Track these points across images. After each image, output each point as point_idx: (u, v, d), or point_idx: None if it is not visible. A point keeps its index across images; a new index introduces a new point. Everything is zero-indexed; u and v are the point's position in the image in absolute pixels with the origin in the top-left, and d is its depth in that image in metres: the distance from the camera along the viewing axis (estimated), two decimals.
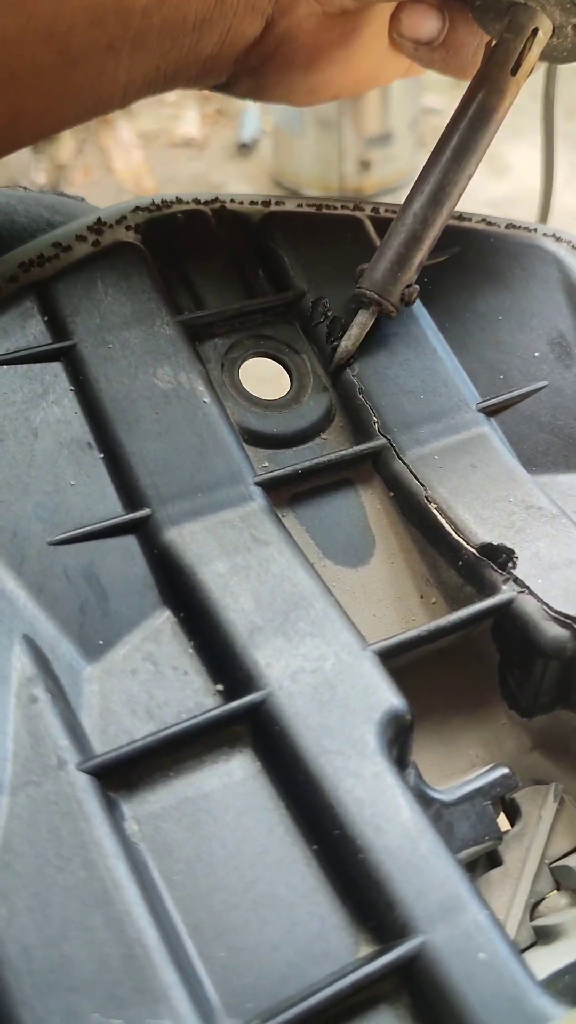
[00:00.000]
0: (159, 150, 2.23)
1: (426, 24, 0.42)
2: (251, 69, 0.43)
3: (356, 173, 1.98)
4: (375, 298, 0.40)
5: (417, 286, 0.40)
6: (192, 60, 0.41)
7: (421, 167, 0.41)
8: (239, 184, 2.14)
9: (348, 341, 0.40)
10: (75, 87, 0.39)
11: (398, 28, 0.42)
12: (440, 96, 2.13)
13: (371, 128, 1.94)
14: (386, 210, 0.46)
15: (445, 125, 0.41)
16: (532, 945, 0.32)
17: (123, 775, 0.29)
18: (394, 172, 2.00)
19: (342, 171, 1.98)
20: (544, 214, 1.32)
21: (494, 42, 0.41)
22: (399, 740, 0.31)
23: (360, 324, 0.40)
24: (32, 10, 0.35)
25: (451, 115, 0.41)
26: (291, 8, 0.41)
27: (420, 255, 0.40)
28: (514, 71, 0.40)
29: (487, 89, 0.40)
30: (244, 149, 2.23)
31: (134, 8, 0.37)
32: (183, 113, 2.30)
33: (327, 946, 0.27)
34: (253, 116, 2.25)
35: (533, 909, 0.33)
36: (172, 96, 2.26)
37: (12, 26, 0.35)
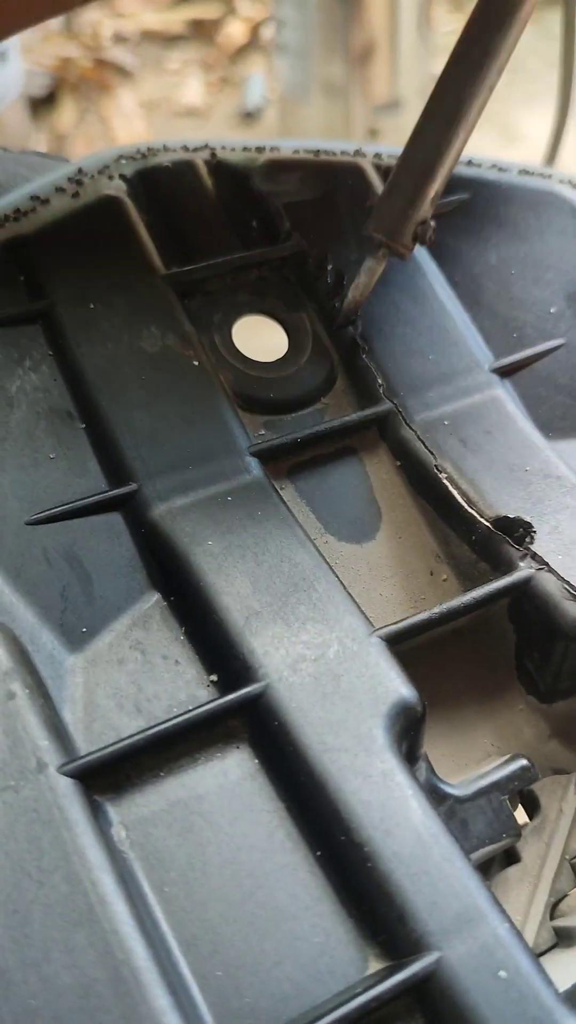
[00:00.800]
0: (161, 119, 2.17)
1: None
2: None
3: (364, 142, 1.93)
4: (382, 240, 0.35)
5: (432, 223, 0.36)
6: None
7: None
8: None
9: (356, 291, 0.36)
10: None
11: None
12: None
13: (379, 95, 1.87)
14: (389, 157, 0.43)
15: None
16: (553, 947, 0.30)
17: (109, 776, 0.27)
18: (403, 141, 1.94)
19: (350, 136, 1.92)
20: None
21: None
22: (409, 733, 0.28)
23: (369, 270, 0.36)
24: None
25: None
26: None
27: (434, 186, 0.35)
28: None
29: None
30: (248, 118, 2.17)
31: None
32: (186, 81, 2.23)
33: (333, 962, 0.25)
34: (258, 84, 2.18)
35: (553, 909, 0.31)
36: (175, 64, 2.20)
37: None
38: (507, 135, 2.00)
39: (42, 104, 2.02)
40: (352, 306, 0.36)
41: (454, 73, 0.34)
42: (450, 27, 2.05)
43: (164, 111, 2.23)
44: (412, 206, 0.35)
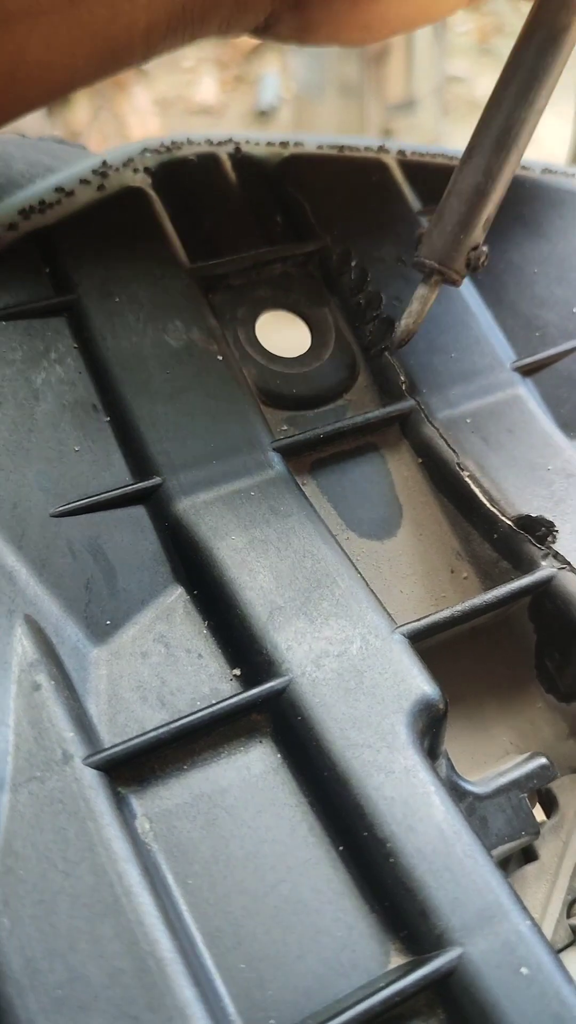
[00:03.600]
0: (176, 117, 2.16)
1: None
2: (294, 3, 0.37)
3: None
4: (436, 267, 0.34)
5: (485, 247, 0.35)
6: (225, 5, 0.36)
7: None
8: None
9: (408, 319, 0.35)
10: (84, 28, 0.34)
11: None
12: (466, 63, 2.04)
13: (394, 95, 1.86)
14: (412, 153, 0.43)
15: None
16: (570, 945, 0.30)
17: (133, 769, 0.27)
18: (418, 141, 1.93)
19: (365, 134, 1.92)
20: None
21: None
22: (431, 730, 0.28)
23: (421, 298, 0.35)
24: None
25: (512, 50, 0.35)
26: None
27: (486, 212, 0.34)
28: None
29: (556, 4, 0.33)
30: (263, 116, 2.16)
31: None
32: (200, 79, 2.22)
33: (355, 957, 0.25)
34: (272, 82, 2.17)
35: (571, 907, 0.31)
36: (189, 61, 2.19)
37: None
38: None
39: (57, 101, 2.02)
40: (405, 335, 0.35)
41: (503, 97, 0.34)
42: (466, 27, 2.04)
43: (178, 109, 2.23)
44: (464, 232, 0.34)
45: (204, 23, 0.36)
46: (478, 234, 0.34)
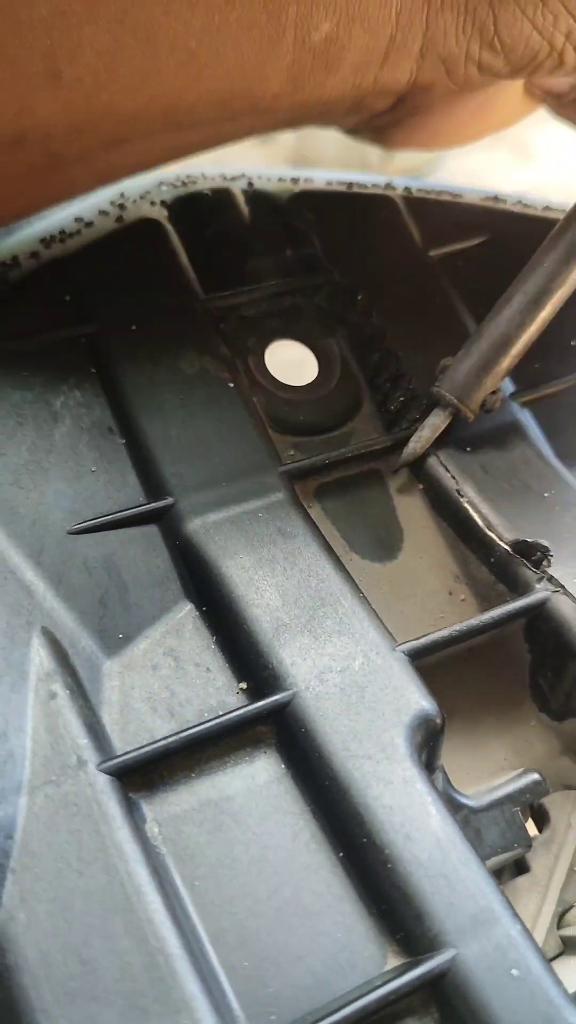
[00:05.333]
0: None
1: (560, 79, 0.39)
2: (377, 128, 0.41)
3: (379, 160, 1.95)
4: (453, 402, 0.36)
5: (502, 393, 0.37)
6: (314, 121, 0.39)
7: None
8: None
9: (417, 443, 0.37)
10: (188, 146, 0.37)
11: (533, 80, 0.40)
12: None
13: None
14: (418, 191, 0.45)
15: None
16: (559, 955, 0.31)
17: (144, 776, 0.28)
18: (418, 160, 1.96)
19: (365, 158, 1.95)
20: None
21: None
22: (429, 744, 0.30)
23: (433, 426, 0.36)
24: (156, 91, 0.32)
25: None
26: (428, 88, 0.37)
27: (508, 361, 0.36)
28: None
29: None
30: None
31: (264, 95, 0.34)
32: None
33: (353, 957, 0.26)
34: None
35: (560, 918, 0.32)
36: None
37: (131, 104, 0.32)
38: (523, 153, 2.02)
39: None
40: (410, 457, 0.37)
41: (545, 259, 0.36)
42: None
43: None
44: (486, 375, 0.36)
45: (304, 125, 0.39)
46: (498, 379, 0.36)
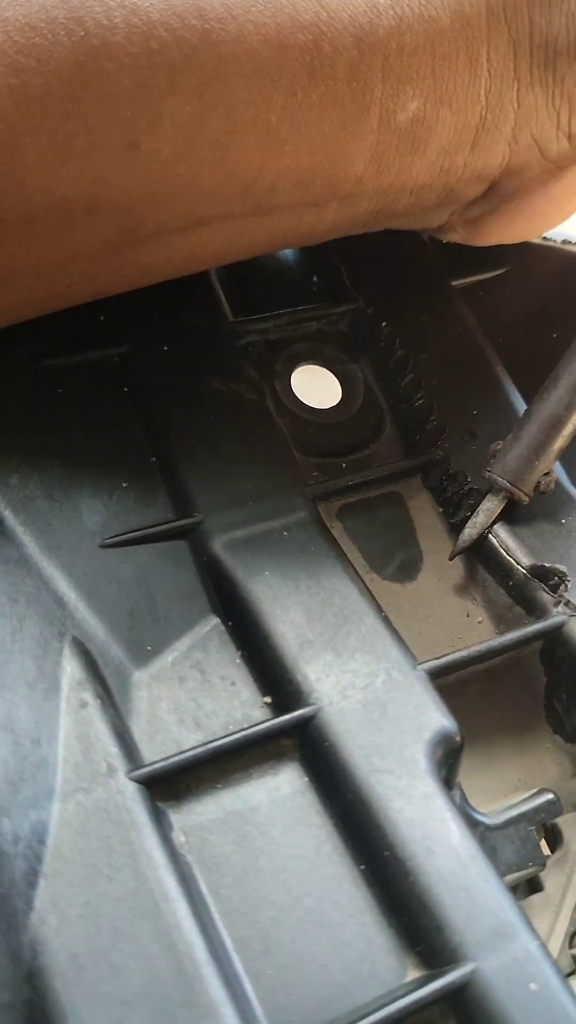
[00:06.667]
0: None
1: None
2: (470, 220, 0.40)
3: None
4: (506, 486, 0.36)
5: (555, 475, 0.37)
6: (403, 214, 0.38)
7: None
8: None
9: (473, 529, 0.36)
10: (268, 237, 0.36)
11: None
12: None
13: None
14: None
15: None
16: (572, 973, 0.32)
17: (171, 785, 0.29)
18: None
19: None
20: None
21: None
22: (448, 761, 0.30)
23: (487, 512, 0.36)
24: (234, 166, 0.32)
25: None
26: (522, 170, 0.37)
27: (560, 442, 0.36)
28: None
29: None
30: None
31: (346, 176, 0.34)
32: None
33: (374, 968, 0.27)
34: None
35: (573, 937, 0.32)
36: None
37: (209, 179, 0.32)
38: None
39: None
40: (467, 542, 0.37)
41: None
42: None
43: None
44: (538, 458, 0.36)
45: (391, 219, 0.39)
46: (551, 461, 0.36)
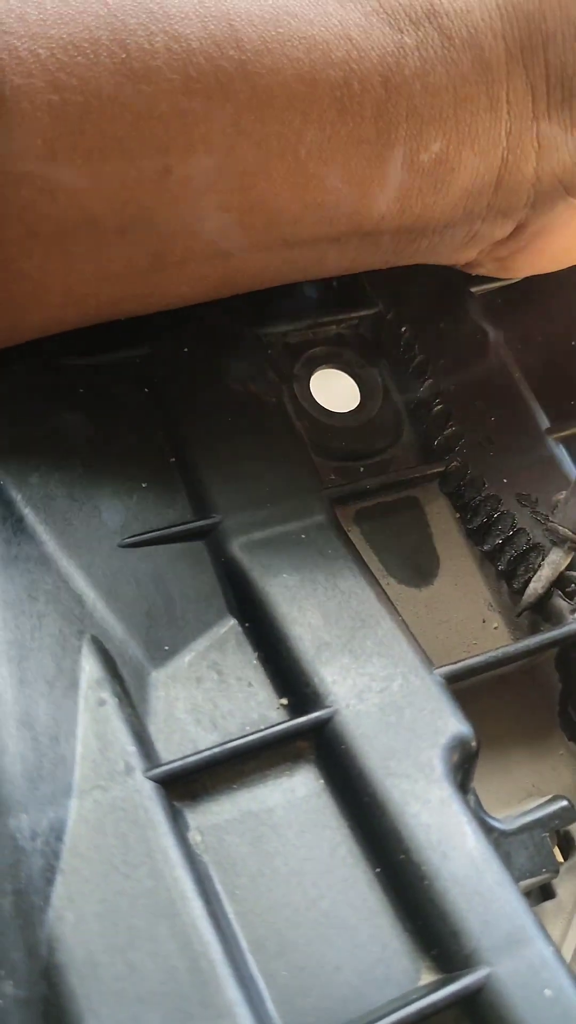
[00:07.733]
0: None
1: None
2: (496, 259, 0.40)
3: None
4: (571, 536, 0.36)
5: None
6: (426, 254, 0.38)
7: None
8: None
9: (539, 583, 0.36)
10: (292, 270, 0.37)
11: None
12: None
13: None
14: None
15: None
16: None
17: (187, 785, 0.29)
18: None
19: None
20: None
21: None
22: (463, 766, 0.30)
23: (553, 564, 0.36)
24: (261, 196, 0.32)
25: None
26: (548, 209, 0.37)
27: None
28: None
29: None
30: None
31: (370, 214, 0.34)
32: None
33: (389, 971, 0.27)
34: None
35: None
36: None
37: (237, 209, 0.32)
38: None
39: None
40: (532, 598, 0.36)
41: None
42: None
43: None
44: None
45: (414, 256, 0.39)
46: None
